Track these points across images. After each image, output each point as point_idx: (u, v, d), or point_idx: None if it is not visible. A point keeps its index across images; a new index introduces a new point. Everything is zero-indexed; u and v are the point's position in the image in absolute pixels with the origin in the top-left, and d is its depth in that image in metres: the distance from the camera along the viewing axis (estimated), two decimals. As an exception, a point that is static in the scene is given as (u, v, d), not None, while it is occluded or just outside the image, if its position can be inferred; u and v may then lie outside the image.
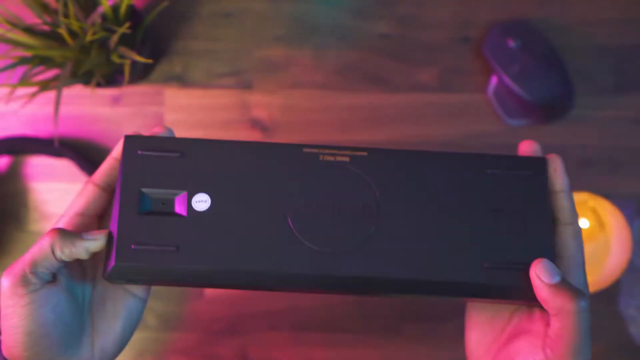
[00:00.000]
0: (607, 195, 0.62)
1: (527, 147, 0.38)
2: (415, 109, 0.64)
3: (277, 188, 0.36)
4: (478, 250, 0.35)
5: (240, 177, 0.36)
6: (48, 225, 0.64)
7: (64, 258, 0.34)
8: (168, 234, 0.35)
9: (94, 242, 0.35)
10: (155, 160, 0.36)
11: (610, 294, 0.62)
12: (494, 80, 0.63)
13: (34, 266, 0.34)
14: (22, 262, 0.34)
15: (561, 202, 0.37)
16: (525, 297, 0.35)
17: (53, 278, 0.35)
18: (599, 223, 0.60)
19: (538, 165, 0.37)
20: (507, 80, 0.61)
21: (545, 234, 0.36)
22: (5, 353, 0.35)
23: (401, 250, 0.35)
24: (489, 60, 0.62)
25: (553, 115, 0.62)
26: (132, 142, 0.37)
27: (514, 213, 0.36)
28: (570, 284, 0.34)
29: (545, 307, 0.34)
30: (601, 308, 0.61)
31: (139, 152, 0.37)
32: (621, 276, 0.61)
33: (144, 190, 0.36)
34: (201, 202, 0.36)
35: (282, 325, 0.63)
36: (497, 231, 0.36)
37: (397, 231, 0.36)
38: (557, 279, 0.34)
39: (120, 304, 0.37)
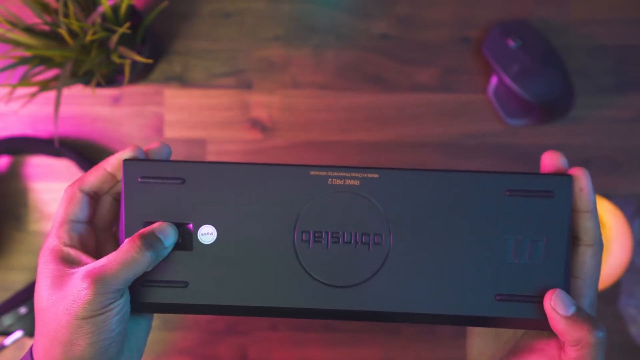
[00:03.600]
0: (607, 195, 0.62)
1: (550, 160, 0.36)
2: (415, 109, 0.64)
3: (284, 218, 0.35)
4: (491, 282, 0.34)
5: (245, 205, 0.36)
6: (48, 225, 0.64)
7: (155, 261, 0.34)
8: (176, 269, 0.35)
9: (172, 234, 0.35)
10: (156, 188, 0.36)
11: (610, 294, 0.62)
12: (494, 80, 0.63)
13: (125, 274, 0.33)
14: (110, 269, 0.33)
15: (586, 222, 0.35)
16: (541, 327, 0.34)
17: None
18: (599, 223, 0.60)
19: (562, 185, 0.35)
20: (507, 80, 0.61)
21: (562, 263, 0.34)
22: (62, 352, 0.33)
23: (412, 283, 0.34)
24: (489, 60, 0.62)
25: (553, 115, 0.62)
26: (132, 167, 0.36)
27: (532, 241, 0.34)
28: (586, 314, 0.33)
29: (562, 338, 0.33)
30: (601, 308, 0.61)
31: (140, 179, 0.36)
32: (621, 276, 0.61)
33: (148, 221, 0.36)
34: (207, 234, 0.36)
35: (282, 325, 0.63)
36: (512, 261, 0.34)
37: (407, 263, 0.35)
38: (572, 310, 0.33)
39: (144, 322, 0.38)
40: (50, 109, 0.65)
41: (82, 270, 0.33)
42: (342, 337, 0.63)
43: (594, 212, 0.35)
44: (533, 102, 0.60)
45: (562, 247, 0.34)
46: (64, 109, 0.64)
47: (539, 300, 0.34)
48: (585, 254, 0.35)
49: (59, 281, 0.33)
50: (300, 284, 0.35)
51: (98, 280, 0.32)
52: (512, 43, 0.61)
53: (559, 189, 0.35)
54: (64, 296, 0.33)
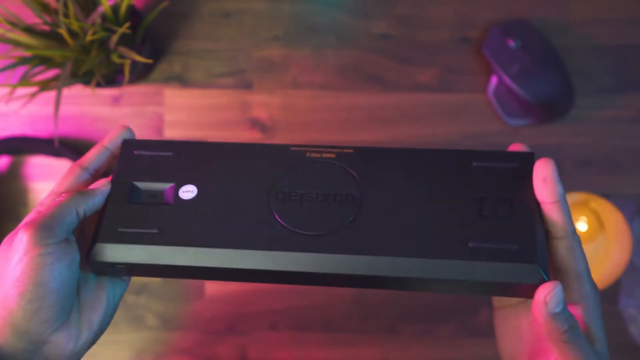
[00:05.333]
0: (607, 195, 0.62)
1: (517, 147, 0.37)
2: (415, 109, 0.64)
3: (263, 181, 0.37)
4: (462, 232, 0.35)
5: (227, 172, 0.38)
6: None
7: (87, 212, 0.35)
8: (154, 219, 0.36)
9: (105, 189, 0.37)
10: (148, 158, 0.38)
11: (610, 294, 0.62)
12: (494, 80, 0.63)
13: (57, 219, 0.34)
14: (43, 216, 0.34)
15: (552, 214, 0.34)
16: (513, 291, 0.34)
17: (66, 240, 0.35)
18: (599, 223, 0.60)
19: (525, 160, 0.36)
20: (507, 80, 0.61)
21: (530, 219, 0.34)
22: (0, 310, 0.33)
23: (385, 231, 0.35)
24: (489, 60, 0.62)
25: (553, 115, 0.62)
26: (129, 144, 0.39)
27: (499, 200, 0.35)
28: (567, 316, 0.33)
29: (534, 323, 0.33)
30: (601, 308, 0.61)
31: (135, 152, 0.38)
32: (621, 276, 0.61)
33: (136, 183, 0.38)
34: (188, 192, 0.37)
35: (282, 325, 0.63)
36: (481, 216, 0.35)
37: (380, 216, 0.36)
38: (559, 309, 0.32)
39: (105, 284, 0.37)
40: (50, 109, 0.65)
41: (22, 221, 0.34)
42: (342, 337, 0.63)
43: (561, 203, 0.34)
44: (533, 102, 0.60)
45: (530, 206, 0.35)
46: (64, 109, 0.64)
47: (509, 252, 0.34)
48: (559, 247, 0.34)
49: (10, 238, 0.34)
50: (272, 231, 0.36)
51: (33, 226, 0.33)
52: (512, 43, 0.61)
53: (521, 164, 0.36)
54: (7, 248, 0.34)
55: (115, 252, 0.36)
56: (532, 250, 0.33)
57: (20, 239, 0.33)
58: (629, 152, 0.63)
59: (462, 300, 0.63)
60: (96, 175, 0.38)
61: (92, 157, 0.38)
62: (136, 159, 0.38)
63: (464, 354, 0.62)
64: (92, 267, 0.36)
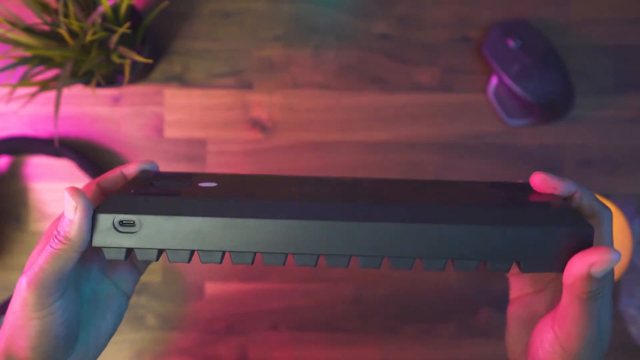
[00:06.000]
0: (607, 195, 0.62)
1: (539, 182, 0.36)
2: (415, 109, 0.64)
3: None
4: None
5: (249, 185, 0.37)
6: (48, 225, 0.64)
7: (83, 247, 0.33)
8: (171, 191, 0.34)
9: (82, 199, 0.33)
10: (166, 182, 0.37)
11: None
12: (494, 80, 0.63)
13: (56, 274, 0.33)
14: (43, 272, 0.33)
15: (577, 202, 0.35)
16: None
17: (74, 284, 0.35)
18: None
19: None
20: (507, 80, 0.61)
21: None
22: (5, 351, 0.35)
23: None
24: (489, 60, 0.62)
25: (553, 115, 0.62)
26: (146, 174, 0.38)
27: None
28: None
29: (564, 277, 0.33)
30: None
31: (152, 184, 0.37)
32: (621, 276, 0.61)
33: (155, 183, 0.37)
34: (208, 185, 0.36)
35: (282, 325, 0.63)
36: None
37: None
38: (601, 275, 0.31)
39: (111, 299, 0.38)
40: (50, 109, 0.65)
41: (24, 274, 0.34)
42: (342, 337, 0.63)
43: (582, 190, 0.35)
44: (533, 102, 0.60)
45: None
46: (64, 109, 0.64)
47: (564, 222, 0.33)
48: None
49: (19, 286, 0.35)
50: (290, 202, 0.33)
51: (35, 286, 0.33)
52: (512, 43, 0.61)
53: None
54: (17, 296, 0.34)
55: (124, 207, 0.33)
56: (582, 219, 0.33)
57: (25, 300, 0.33)
58: (629, 152, 0.63)
59: (462, 300, 0.63)
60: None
61: (109, 179, 0.38)
62: (154, 185, 0.37)
63: (464, 354, 0.62)
64: (94, 240, 0.33)
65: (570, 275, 0.32)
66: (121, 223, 0.33)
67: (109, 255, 0.33)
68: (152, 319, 0.63)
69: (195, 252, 0.34)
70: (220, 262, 0.34)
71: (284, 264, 0.34)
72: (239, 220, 0.33)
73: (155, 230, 0.32)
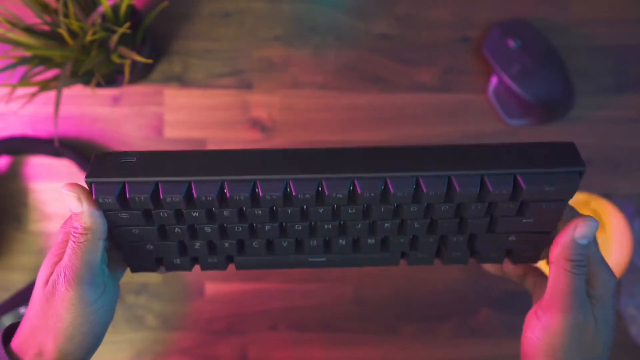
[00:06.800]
0: (607, 195, 0.62)
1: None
2: (415, 109, 0.64)
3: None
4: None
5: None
6: (48, 225, 0.64)
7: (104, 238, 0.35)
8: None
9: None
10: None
11: (610, 294, 0.62)
12: (494, 80, 0.63)
13: (93, 267, 0.34)
14: (80, 268, 0.34)
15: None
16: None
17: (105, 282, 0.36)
18: (600, 223, 0.60)
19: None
20: (507, 80, 0.61)
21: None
22: (41, 353, 0.34)
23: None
24: (489, 60, 0.62)
25: (553, 115, 0.62)
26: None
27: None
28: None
29: (550, 254, 0.35)
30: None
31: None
32: (621, 276, 0.61)
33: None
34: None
35: (281, 325, 0.63)
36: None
37: None
38: (583, 242, 0.34)
39: (113, 289, 0.38)
40: (50, 109, 0.65)
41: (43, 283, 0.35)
42: (342, 337, 0.63)
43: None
44: (533, 102, 0.60)
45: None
46: (64, 109, 0.64)
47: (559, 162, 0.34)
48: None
49: (52, 287, 0.35)
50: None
51: (76, 283, 0.34)
52: (512, 43, 0.61)
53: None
54: (51, 295, 0.34)
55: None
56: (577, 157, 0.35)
57: (63, 298, 0.34)
58: (629, 152, 0.63)
59: (462, 301, 0.63)
60: None
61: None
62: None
63: (464, 354, 0.62)
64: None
65: (557, 244, 0.35)
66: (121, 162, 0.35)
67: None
68: (152, 319, 0.63)
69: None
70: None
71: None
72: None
73: (151, 165, 0.35)
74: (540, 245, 0.38)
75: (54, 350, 0.34)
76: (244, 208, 0.36)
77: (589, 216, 0.34)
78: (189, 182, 0.35)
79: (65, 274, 0.34)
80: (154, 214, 0.36)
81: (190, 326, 0.63)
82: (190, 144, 0.64)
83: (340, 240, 0.39)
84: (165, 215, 0.36)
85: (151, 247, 0.38)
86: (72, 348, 0.34)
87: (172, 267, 0.40)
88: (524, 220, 0.36)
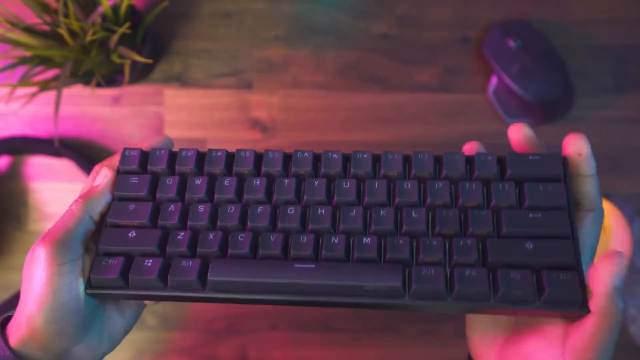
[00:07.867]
0: (607, 195, 0.62)
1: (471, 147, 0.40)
2: (415, 109, 0.64)
3: None
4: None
5: None
6: (48, 225, 0.64)
7: (102, 211, 0.36)
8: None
9: (108, 179, 0.37)
10: None
11: (610, 294, 0.62)
12: (494, 80, 0.63)
13: (72, 232, 0.34)
14: (58, 230, 0.34)
15: (585, 187, 0.36)
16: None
17: (86, 250, 0.35)
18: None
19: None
20: (507, 80, 0.61)
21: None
22: (25, 327, 0.33)
23: None
24: (489, 60, 0.62)
25: (553, 115, 0.62)
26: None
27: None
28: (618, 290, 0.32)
29: (591, 304, 0.32)
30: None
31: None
32: (621, 276, 0.61)
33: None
34: None
35: (282, 325, 0.63)
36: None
37: None
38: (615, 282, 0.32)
39: (123, 313, 0.38)
40: (50, 109, 0.65)
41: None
42: (342, 337, 0.63)
43: (594, 177, 0.36)
44: (533, 102, 0.60)
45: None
46: (64, 109, 0.64)
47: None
48: (584, 219, 0.35)
49: (32, 252, 0.35)
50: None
51: (49, 242, 0.33)
52: (512, 43, 0.61)
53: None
54: (30, 263, 0.34)
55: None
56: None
57: (38, 258, 0.33)
58: (629, 152, 0.63)
59: (462, 300, 0.63)
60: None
61: (117, 159, 0.38)
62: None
63: (464, 354, 0.62)
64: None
65: (597, 289, 0.32)
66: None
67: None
68: (152, 319, 0.63)
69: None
70: None
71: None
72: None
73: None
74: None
75: (26, 319, 0.33)
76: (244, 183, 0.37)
77: (615, 251, 0.32)
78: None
79: (42, 235, 0.34)
80: (159, 183, 0.37)
81: (190, 326, 0.63)
82: (191, 144, 0.64)
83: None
84: (171, 182, 0.37)
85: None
86: (47, 318, 0.33)
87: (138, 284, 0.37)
88: None
